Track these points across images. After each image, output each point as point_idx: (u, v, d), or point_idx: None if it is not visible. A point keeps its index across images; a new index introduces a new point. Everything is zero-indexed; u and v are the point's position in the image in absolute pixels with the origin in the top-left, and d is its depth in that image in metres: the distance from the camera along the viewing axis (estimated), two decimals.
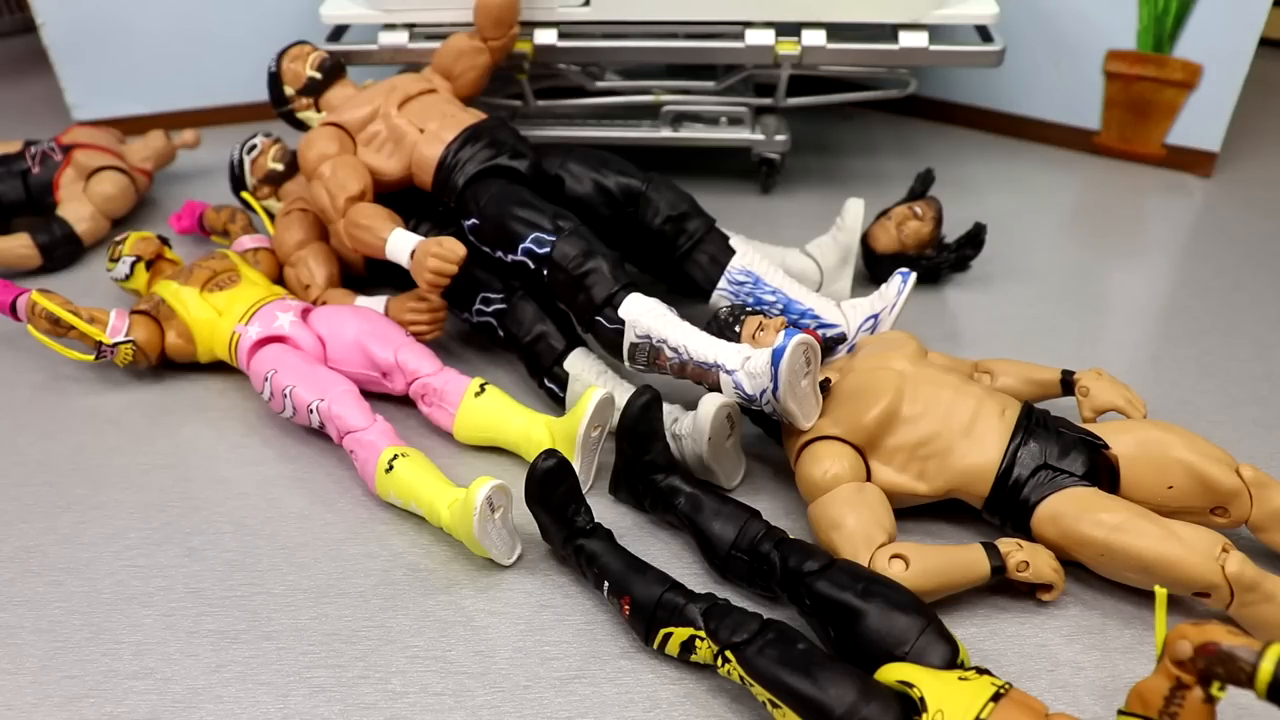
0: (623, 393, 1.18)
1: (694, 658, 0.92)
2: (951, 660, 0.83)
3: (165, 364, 1.34)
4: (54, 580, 1.06)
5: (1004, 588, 1.00)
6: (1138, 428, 1.04)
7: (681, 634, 0.91)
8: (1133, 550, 0.94)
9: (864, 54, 1.54)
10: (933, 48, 1.51)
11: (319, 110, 1.47)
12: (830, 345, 1.24)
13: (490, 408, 1.19)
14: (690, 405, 1.15)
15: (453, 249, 1.20)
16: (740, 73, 1.63)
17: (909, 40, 1.51)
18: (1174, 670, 0.71)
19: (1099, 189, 1.80)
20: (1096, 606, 1.00)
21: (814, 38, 1.52)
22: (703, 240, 1.29)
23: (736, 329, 1.14)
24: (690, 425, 1.10)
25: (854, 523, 0.98)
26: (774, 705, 0.83)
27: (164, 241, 1.44)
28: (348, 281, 1.47)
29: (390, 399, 1.28)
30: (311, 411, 1.17)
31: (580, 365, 1.22)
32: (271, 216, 1.56)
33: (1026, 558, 0.96)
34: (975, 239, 1.48)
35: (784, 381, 0.98)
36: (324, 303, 1.39)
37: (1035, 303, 1.48)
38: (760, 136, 1.69)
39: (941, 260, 1.47)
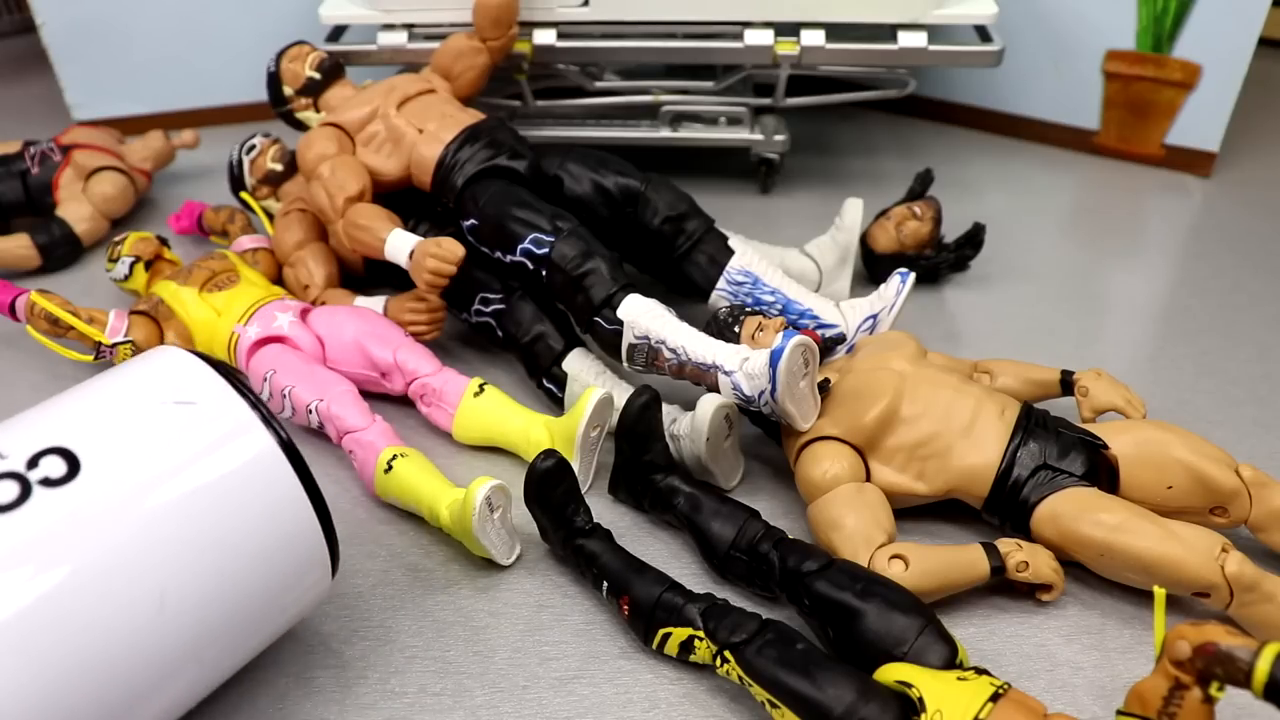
0: (621, 393, 1.18)
1: (693, 658, 0.92)
2: (950, 660, 0.83)
3: None
4: None
5: (1003, 588, 1.00)
6: (1137, 428, 1.04)
7: (680, 634, 0.91)
8: (1132, 550, 0.94)
9: (863, 54, 1.54)
10: (932, 48, 1.51)
11: (318, 110, 1.47)
12: (829, 345, 1.24)
13: (489, 408, 1.19)
14: (689, 406, 1.15)
15: (451, 249, 1.20)
16: (739, 73, 1.63)
17: (908, 40, 1.51)
18: (1173, 670, 0.71)
19: (1098, 189, 1.80)
20: (1095, 606, 1.00)
21: (813, 38, 1.52)
22: (701, 240, 1.29)
23: (735, 329, 1.14)
24: (688, 426, 1.10)
25: (853, 523, 0.98)
26: (773, 705, 0.83)
27: (163, 242, 1.44)
28: (347, 282, 1.47)
29: (389, 399, 1.28)
30: (310, 412, 1.17)
31: (579, 365, 1.22)
32: (270, 217, 1.57)
33: (1026, 558, 0.96)
34: (974, 239, 1.48)
35: (782, 383, 0.98)
36: (323, 303, 1.39)
37: (1035, 303, 1.48)
38: (759, 136, 1.69)
39: (940, 260, 1.47)
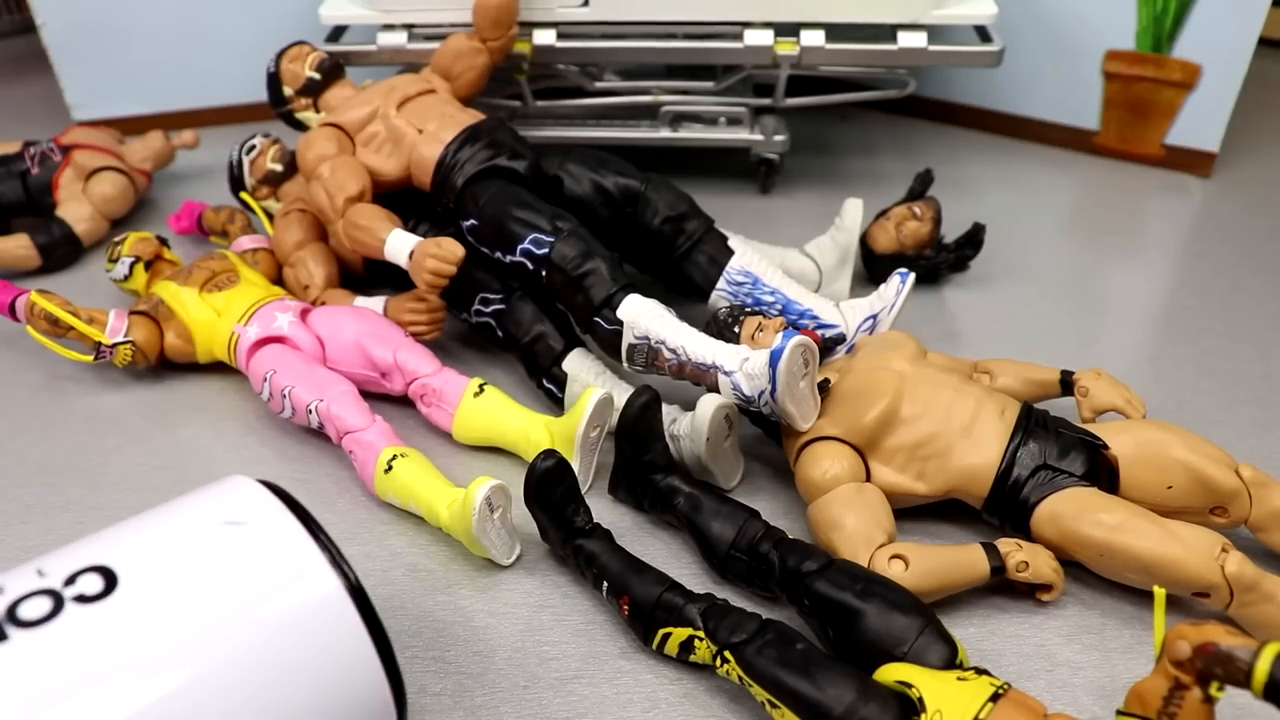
0: (621, 393, 1.18)
1: (693, 658, 0.92)
2: (950, 660, 0.83)
3: (164, 364, 1.34)
4: None
5: (1003, 588, 1.00)
6: (1137, 428, 1.04)
7: (680, 634, 0.91)
8: (1132, 550, 0.94)
9: (863, 54, 1.54)
10: (932, 48, 1.51)
11: (318, 111, 1.47)
12: (829, 346, 1.24)
13: (489, 408, 1.19)
14: (689, 406, 1.15)
15: (451, 250, 1.20)
16: (739, 73, 1.63)
17: (908, 40, 1.51)
18: (1173, 670, 0.71)
19: (1098, 189, 1.80)
20: (1095, 606, 1.00)
21: (813, 38, 1.52)
22: (701, 241, 1.29)
23: (735, 329, 1.14)
24: (688, 426, 1.10)
25: (853, 523, 0.98)
26: (773, 705, 0.83)
27: (163, 242, 1.44)
28: (347, 282, 1.47)
29: (389, 399, 1.28)
30: (310, 412, 1.17)
31: (579, 366, 1.22)
32: (270, 217, 1.57)
33: (1026, 558, 0.96)
34: (974, 239, 1.48)
35: (782, 383, 0.98)
36: (323, 303, 1.39)
37: (1035, 303, 1.48)
38: (759, 137, 1.69)
39: (940, 260, 1.47)
